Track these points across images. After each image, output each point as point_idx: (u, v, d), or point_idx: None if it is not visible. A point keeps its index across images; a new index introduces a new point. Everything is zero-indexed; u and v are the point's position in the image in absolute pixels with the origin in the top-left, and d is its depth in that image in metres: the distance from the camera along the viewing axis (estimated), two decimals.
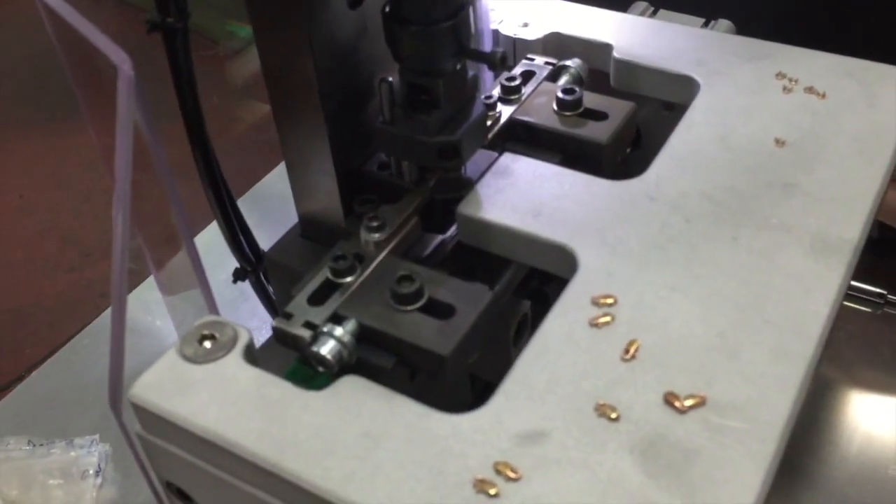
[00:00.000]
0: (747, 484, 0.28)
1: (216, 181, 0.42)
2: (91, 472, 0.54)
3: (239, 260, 0.46)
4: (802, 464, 0.53)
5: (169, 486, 0.35)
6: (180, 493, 0.35)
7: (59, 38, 0.32)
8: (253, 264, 0.46)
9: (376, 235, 0.37)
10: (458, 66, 0.38)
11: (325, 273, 0.35)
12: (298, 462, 0.30)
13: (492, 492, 0.28)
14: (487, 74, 0.51)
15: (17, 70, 2.36)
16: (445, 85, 0.37)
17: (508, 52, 0.50)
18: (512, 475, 0.29)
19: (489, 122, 0.44)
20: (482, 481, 0.29)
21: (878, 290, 0.62)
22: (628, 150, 0.47)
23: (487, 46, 0.50)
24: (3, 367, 1.76)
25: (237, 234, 0.45)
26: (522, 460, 0.29)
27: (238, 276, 0.47)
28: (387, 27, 0.37)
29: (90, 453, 0.55)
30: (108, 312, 0.65)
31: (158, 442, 0.33)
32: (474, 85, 0.39)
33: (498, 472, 0.29)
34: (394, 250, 0.37)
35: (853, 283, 0.62)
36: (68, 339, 1.84)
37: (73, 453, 0.54)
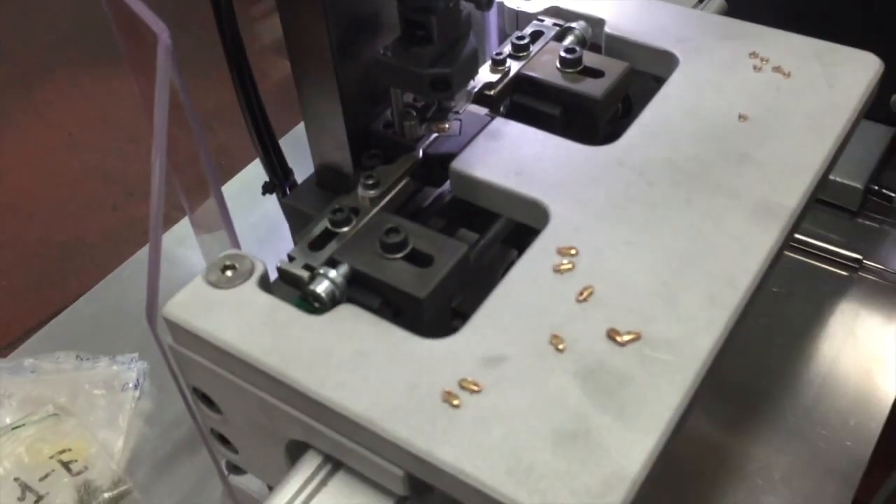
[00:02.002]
0: (666, 404, 0.33)
1: (252, 102, 0.47)
2: (130, 385, 0.61)
3: (269, 174, 0.51)
4: (766, 406, 0.59)
5: (195, 391, 0.42)
6: (204, 398, 0.42)
7: (114, 16, 0.37)
8: (280, 177, 0.51)
9: (371, 192, 0.42)
10: (451, 4, 0.41)
11: (325, 223, 0.41)
12: (299, 372, 0.36)
13: (455, 402, 0.34)
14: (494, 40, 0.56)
15: (67, 11, 2.43)
16: (438, 21, 0.41)
17: (512, 23, 0.55)
18: (474, 388, 0.35)
19: (499, 76, 0.49)
20: (449, 393, 0.34)
21: (855, 255, 0.66)
22: (619, 107, 0.52)
23: (493, 17, 0.55)
24: (50, 298, 1.87)
25: (269, 151, 0.50)
26: (484, 378, 0.35)
27: (267, 188, 0.52)
28: None
29: (130, 369, 0.62)
30: (147, 248, 0.72)
31: (186, 352, 0.39)
32: (467, 24, 0.43)
33: (462, 387, 0.35)
34: (386, 206, 0.43)
35: (833, 248, 0.67)
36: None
37: (115, 368, 0.62)
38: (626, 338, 0.36)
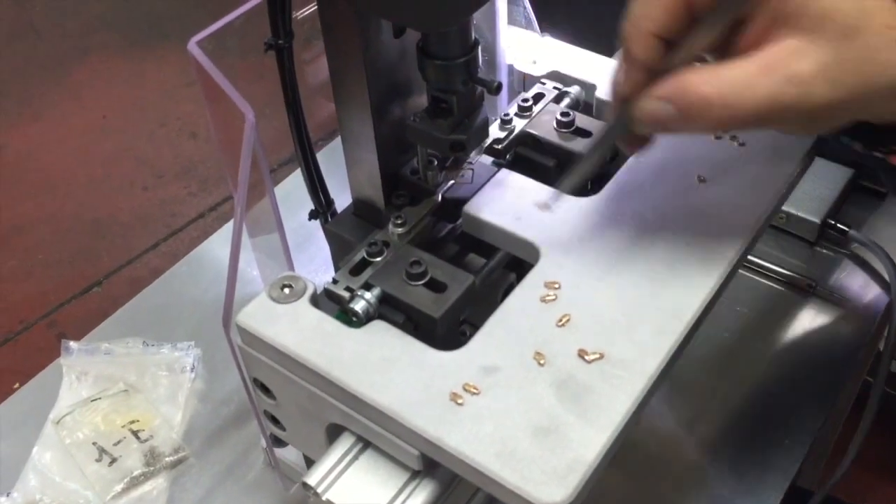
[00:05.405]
0: (618, 410, 0.44)
1: (304, 144, 0.58)
2: (188, 368, 0.72)
3: (315, 203, 0.62)
4: (721, 408, 0.70)
5: (255, 381, 0.53)
6: (263, 387, 0.53)
7: (203, 85, 0.48)
8: (324, 207, 0.62)
9: (400, 230, 0.53)
10: (468, 86, 0.52)
11: (362, 253, 0.52)
12: (341, 372, 0.47)
13: (459, 401, 0.45)
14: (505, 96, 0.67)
15: None
16: (458, 99, 0.52)
17: (520, 82, 0.65)
18: (474, 391, 0.45)
19: (506, 133, 0.59)
20: (454, 394, 0.45)
21: (810, 280, 0.77)
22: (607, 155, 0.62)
23: (504, 77, 0.65)
24: (84, 271, 1.99)
25: (315, 185, 0.61)
26: (482, 383, 0.46)
27: (312, 215, 0.63)
28: (419, 58, 0.51)
29: (188, 354, 0.73)
30: (201, 247, 0.83)
31: (252, 352, 0.50)
32: (480, 99, 0.54)
33: (465, 389, 0.46)
34: (411, 241, 0.53)
35: (792, 273, 0.77)
36: (142, 253, 2.09)
37: (175, 353, 0.73)
38: (592, 357, 0.46)
